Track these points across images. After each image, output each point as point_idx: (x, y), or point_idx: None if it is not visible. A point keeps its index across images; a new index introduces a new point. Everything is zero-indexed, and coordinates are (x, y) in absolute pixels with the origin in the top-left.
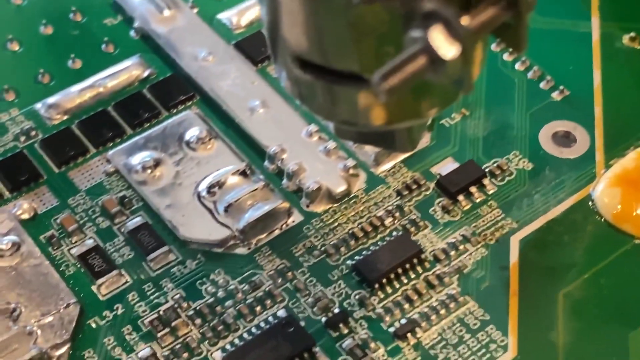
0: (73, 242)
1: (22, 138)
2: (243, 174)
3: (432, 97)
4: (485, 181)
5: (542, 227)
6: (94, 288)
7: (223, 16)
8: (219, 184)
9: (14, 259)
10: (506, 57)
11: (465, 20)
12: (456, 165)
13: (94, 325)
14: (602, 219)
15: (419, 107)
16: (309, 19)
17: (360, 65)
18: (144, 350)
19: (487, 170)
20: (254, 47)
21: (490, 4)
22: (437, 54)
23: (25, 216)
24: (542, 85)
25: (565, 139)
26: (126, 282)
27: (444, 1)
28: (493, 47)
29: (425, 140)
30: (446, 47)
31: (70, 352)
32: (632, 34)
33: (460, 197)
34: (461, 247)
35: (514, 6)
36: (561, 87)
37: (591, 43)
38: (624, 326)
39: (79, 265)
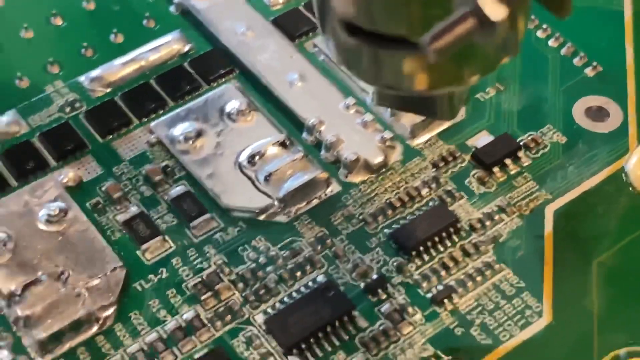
0: (118, 209)
1: (67, 109)
2: (283, 144)
3: (474, 64)
4: (520, 154)
5: (575, 198)
6: (138, 253)
7: None
8: (260, 154)
9: (61, 224)
10: (540, 34)
11: None
12: (491, 138)
13: (139, 289)
14: (635, 191)
15: (461, 73)
16: None
17: (409, 28)
18: (188, 312)
19: (521, 143)
20: (291, 23)
21: None
22: (486, 15)
23: (71, 184)
24: (575, 61)
25: (598, 113)
26: (170, 247)
27: None
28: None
29: (460, 114)
30: (495, 9)
31: (117, 313)
32: None
33: (496, 169)
34: (496, 217)
35: None
36: (594, 63)
37: (623, 20)
38: None
39: (124, 231)
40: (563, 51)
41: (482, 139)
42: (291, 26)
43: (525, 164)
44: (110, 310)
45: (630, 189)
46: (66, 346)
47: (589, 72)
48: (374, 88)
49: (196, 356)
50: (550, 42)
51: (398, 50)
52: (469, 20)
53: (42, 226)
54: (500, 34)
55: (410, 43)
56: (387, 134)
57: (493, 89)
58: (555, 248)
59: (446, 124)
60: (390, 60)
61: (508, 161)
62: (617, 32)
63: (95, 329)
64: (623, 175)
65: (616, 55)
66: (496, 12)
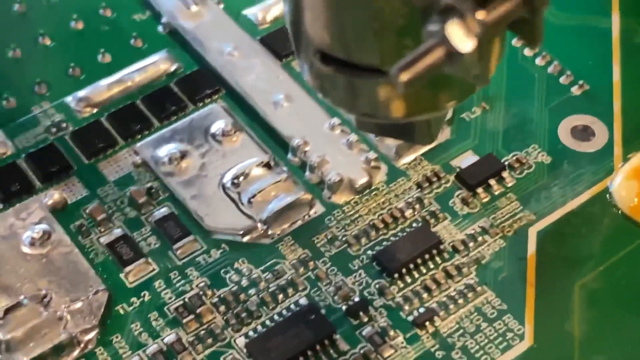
0: (102, 231)
1: (53, 130)
2: (267, 165)
3: (450, 90)
4: (505, 174)
5: (559, 219)
6: (121, 275)
7: (248, 12)
8: (244, 175)
9: (45, 247)
10: (527, 52)
11: (481, 15)
12: (476, 158)
13: (121, 312)
14: (619, 212)
15: (437, 99)
16: (331, 13)
17: (381, 58)
18: (169, 335)
19: (506, 163)
20: (278, 42)
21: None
22: (454, 47)
23: (56, 206)
24: (561, 80)
25: (583, 133)
26: (153, 270)
27: None
28: (514, 42)
29: (445, 134)
30: (463, 41)
31: (99, 337)
32: None
33: (480, 190)
34: (480, 238)
35: (529, 1)
36: (581, 82)
37: (611, 39)
38: (639, 316)
39: (107, 254)
40: (550, 69)
41: (467, 159)
42: (279, 45)
43: (510, 184)
44: (92, 334)
45: (615, 209)
46: None
47: (575, 90)
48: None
49: None
50: (537, 61)
51: (372, 79)
52: (437, 52)
53: (25, 249)
54: (469, 65)
55: (384, 72)
56: (372, 155)
57: (479, 109)
58: (538, 270)
59: (432, 144)
60: (365, 88)
61: (492, 181)
62: (604, 50)
63: (77, 352)
64: (607, 195)
65: (603, 74)
66: (464, 44)
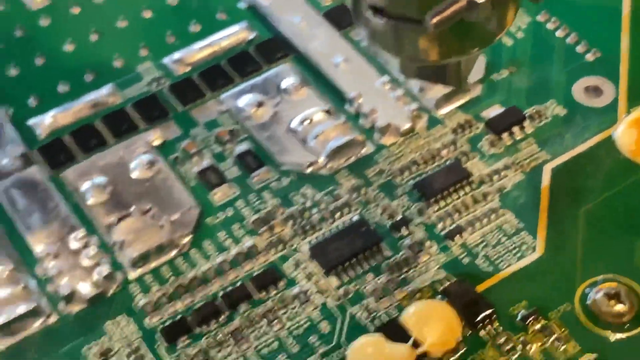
0: (194, 162)
1: (154, 84)
2: (328, 112)
3: (473, 39)
4: (525, 123)
5: (570, 159)
6: (209, 196)
7: None
8: (309, 119)
9: (148, 172)
10: (549, 25)
11: None
12: (502, 109)
13: (210, 223)
14: (620, 155)
15: (463, 46)
16: None
17: (418, 10)
18: (248, 242)
19: (527, 114)
20: (338, 16)
21: None
22: None
23: (157, 142)
24: (578, 48)
25: (594, 91)
26: (235, 192)
27: None
28: (539, 18)
29: (477, 90)
30: None
31: (192, 241)
32: None
33: (504, 135)
34: (503, 172)
35: None
36: (594, 50)
37: (621, 15)
38: (633, 235)
39: (198, 180)
40: (568, 40)
41: (495, 111)
42: (339, 18)
43: (529, 131)
44: (187, 239)
45: (616, 153)
46: (152, 264)
47: (589, 57)
48: (399, 60)
49: (254, 274)
50: (558, 33)
51: (413, 27)
52: (459, 2)
53: (134, 174)
54: (484, 12)
55: (421, 22)
56: (415, 105)
57: (506, 71)
58: (551, 198)
59: (466, 98)
60: (408, 35)
61: (515, 129)
62: (615, 25)
63: (175, 252)
64: (611, 142)
65: (613, 43)
66: None
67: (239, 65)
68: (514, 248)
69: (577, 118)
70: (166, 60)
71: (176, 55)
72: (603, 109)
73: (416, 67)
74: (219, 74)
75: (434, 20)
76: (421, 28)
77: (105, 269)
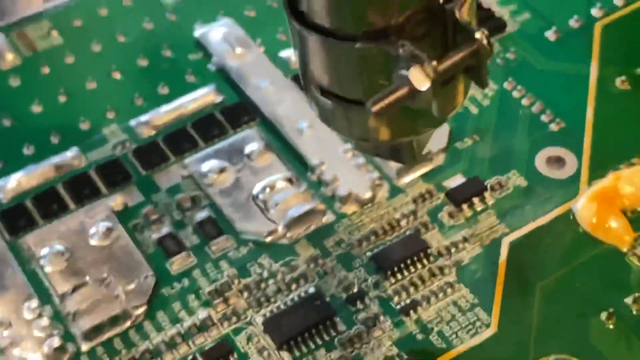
0: (154, 229)
1: (119, 148)
2: (289, 180)
3: (426, 119)
4: (486, 194)
5: (529, 232)
6: (167, 265)
7: (283, 54)
8: (270, 187)
9: (107, 240)
10: (515, 94)
11: (435, 63)
12: (464, 180)
13: (166, 293)
14: (580, 229)
15: (416, 126)
16: (328, 59)
17: (364, 94)
18: (202, 313)
19: (488, 185)
20: None
21: (459, 52)
22: (415, 86)
23: (118, 208)
24: (542, 117)
25: (557, 162)
26: (192, 261)
27: (423, 49)
28: (505, 85)
29: (440, 159)
30: (421, 82)
31: (147, 312)
32: (623, 77)
33: (464, 206)
34: (461, 245)
35: (475, 55)
36: (558, 120)
37: (588, 84)
38: (588, 313)
39: (157, 247)
40: (533, 109)
41: (457, 181)
42: None
43: (490, 202)
44: (141, 309)
45: (576, 226)
46: (105, 336)
47: (553, 127)
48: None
49: (206, 348)
50: (523, 101)
51: (361, 110)
52: (403, 89)
53: (92, 241)
54: (425, 100)
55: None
56: (376, 174)
57: (470, 140)
58: (507, 272)
59: (428, 167)
60: (357, 117)
61: (475, 200)
62: (581, 93)
63: (128, 323)
64: (571, 215)
65: (578, 113)
66: (422, 84)
67: (204, 129)
68: (468, 325)
69: (538, 189)
70: (133, 122)
71: (143, 118)
72: (564, 181)
73: (370, 145)
74: (183, 138)
75: (375, 107)
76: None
77: (56, 341)
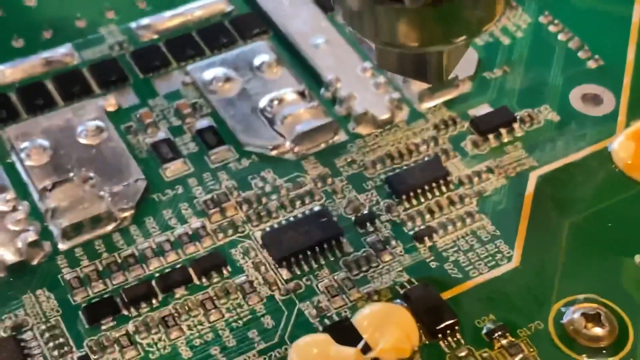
0: (148, 132)
1: (116, 48)
2: (301, 94)
3: (460, 25)
4: (515, 125)
5: (559, 167)
6: (160, 171)
7: None
8: (279, 100)
9: (96, 139)
10: (552, 28)
11: None
12: (491, 110)
13: (156, 199)
14: (616, 168)
15: (449, 33)
16: None
17: None
18: (195, 223)
19: (517, 116)
20: None
21: None
22: None
23: (111, 108)
24: (580, 54)
25: (593, 100)
26: (188, 169)
27: None
28: (541, 19)
29: (466, 87)
30: None
31: (134, 217)
32: None
33: (490, 136)
34: (484, 175)
35: None
36: (596, 57)
37: (630, 23)
38: (620, 255)
39: (150, 152)
40: (570, 44)
41: (483, 110)
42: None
43: (519, 135)
44: (128, 213)
45: (611, 165)
46: (86, 236)
47: (590, 64)
48: (374, 47)
49: (197, 258)
50: (560, 36)
51: (391, 6)
52: None
53: (79, 139)
54: None
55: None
56: (396, 95)
57: (500, 70)
58: (533, 207)
59: (453, 93)
60: (386, 17)
61: (503, 130)
62: (623, 33)
63: (112, 226)
64: (606, 153)
65: (618, 53)
66: None
67: (211, 37)
68: (488, 256)
69: (571, 125)
70: (133, 25)
71: (144, 21)
72: (600, 119)
73: (394, 57)
74: (188, 44)
75: None
76: (399, 7)
77: (31, 236)
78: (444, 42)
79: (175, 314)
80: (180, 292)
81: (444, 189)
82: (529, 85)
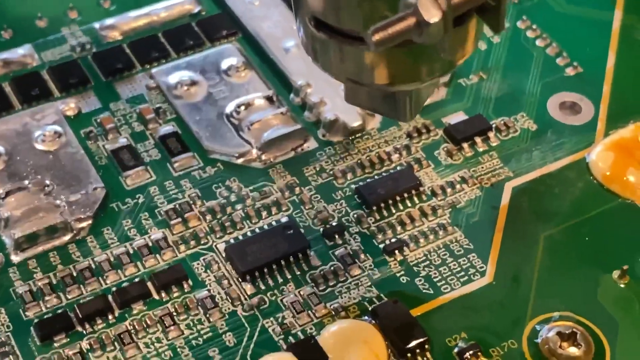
0: (109, 139)
1: (78, 50)
2: (269, 99)
3: (430, 64)
4: (490, 134)
5: (536, 178)
6: (120, 178)
7: None
8: (246, 105)
9: (53, 145)
10: (529, 33)
11: None
12: (466, 117)
13: (116, 209)
14: (593, 179)
15: (418, 71)
16: None
17: (364, 25)
18: (156, 234)
19: (493, 125)
20: None
21: None
22: (423, 17)
23: (70, 113)
24: (558, 60)
25: (571, 108)
26: (150, 177)
27: None
28: (519, 24)
29: (441, 94)
30: (431, 12)
31: (91, 227)
32: None
33: (465, 145)
34: (458, 186)
35: None
36: (575, 64)
37: (610, 30)
38: (597, 270)
39: (110, 159)
40: (548, 50)
41: (458, 118)
42: None
43: (494, 144)
44: (85, 223)
45: (589, 176)
46: (40, 248)
47: (569, 71)
48: (343, 85)
49: (156, 271)
50: (538, 42)
51: (359, 46)
52: (408, 20)
53: (36, 145)
54: (434, 35)
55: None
56: None
57: (476, 77)
58: (508, 219)
59: (428, 100)
60: (353, 54)
61: (478, 139)
62: (603, 40)
63: (68, 237)
64: (584, 164)
65: (598, 59)
66: (432, 15)
67: (177, 39)
68: (460, 271)
69: (548, 135)
70: (96, 25)
71: (108, 21)
72: (579, 128)
73: (363, 94)
74: (153, 46)
75: (376, 36)
76: (365, 46)
77: None
78: (414, 81)
79: (132, 331)
80: (138, 307)
81: (416, 199)
82: (505, 92)
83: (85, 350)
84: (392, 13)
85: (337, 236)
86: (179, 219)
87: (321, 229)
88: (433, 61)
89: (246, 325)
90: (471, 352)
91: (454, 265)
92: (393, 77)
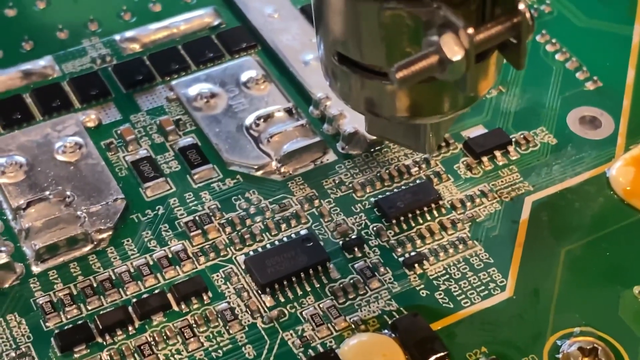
0: (129, 150)
1: (99, 61)
2: (289, 111)
3: (452, 99)
4: (510, 148)
5: (556, 193)
6: (141, 190)
7: None
8: (266, 117)
9: (74, 156)
10: (549, 47)
11: (471, 31)
12: (485, 131)
13: (136, 220)
14: (614, 194)
15: (441, 105)
16: (350, 20)
17: (387, 62)
18: (176, 245)
19: (513, 139)
20: None
21: (497, 24)
22: (446, 55)
23: (91, 124)
24: (577, 75)
25: (591, 122)
26: (170, 189)
27: (459, 15)
28: (538, 38)
29: None
30: (454, 50)
31: (112, 238)
32: None
33: (484, 158)
34: (477, 200)
35: (517, 28)
36: (595, 78)
37: (630, 45)
38: (618, 285)
39: (131, 170)
40: (568, 65)
41: (477, 132)
42: None
43: (514, 158)
44: (106, 234)
45: (609, 191)
46: (60, 259)
47: (589, 85)
48: (365, 117)
49: (176, 283)
50: (557, 56)
51: (381, 81)
52: (431, 57)
53: (57, 156)
54: (457, 72)
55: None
56: None
57: (495, 90)
58: (529, 233)
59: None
60: (375, 88)
61: (497, 153)
62: (622, 54)
63: (89, 248)
64: (604, 179)
65: (617, 74)
66: (455, 53)
67: (197, 51)
68: (480, 285)
69: (568, 149)
70: (117, 37)
71: (128, 33)
72: (599, 143)
73: (386, 126)
74: (173, 58)
75: (400, 74)
76: (387, 82)
77: (2, 258)
78: (435, 114)
79: (152, 342)
80: (158, 318)
81: (435, 213)
82: (525, 106)
83: None
84: (415, 50)
85: (356, 249)
86: (199, 231)
87: (340, 242)
88: (455, 95)
89: (266, 337)
90: None
91: (474, 279)
92: (415, 110)
